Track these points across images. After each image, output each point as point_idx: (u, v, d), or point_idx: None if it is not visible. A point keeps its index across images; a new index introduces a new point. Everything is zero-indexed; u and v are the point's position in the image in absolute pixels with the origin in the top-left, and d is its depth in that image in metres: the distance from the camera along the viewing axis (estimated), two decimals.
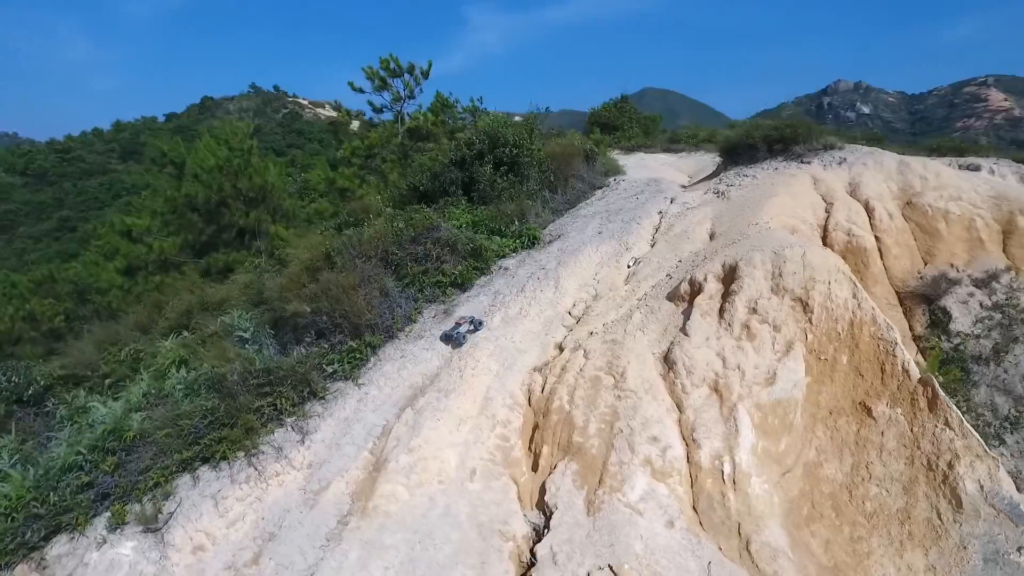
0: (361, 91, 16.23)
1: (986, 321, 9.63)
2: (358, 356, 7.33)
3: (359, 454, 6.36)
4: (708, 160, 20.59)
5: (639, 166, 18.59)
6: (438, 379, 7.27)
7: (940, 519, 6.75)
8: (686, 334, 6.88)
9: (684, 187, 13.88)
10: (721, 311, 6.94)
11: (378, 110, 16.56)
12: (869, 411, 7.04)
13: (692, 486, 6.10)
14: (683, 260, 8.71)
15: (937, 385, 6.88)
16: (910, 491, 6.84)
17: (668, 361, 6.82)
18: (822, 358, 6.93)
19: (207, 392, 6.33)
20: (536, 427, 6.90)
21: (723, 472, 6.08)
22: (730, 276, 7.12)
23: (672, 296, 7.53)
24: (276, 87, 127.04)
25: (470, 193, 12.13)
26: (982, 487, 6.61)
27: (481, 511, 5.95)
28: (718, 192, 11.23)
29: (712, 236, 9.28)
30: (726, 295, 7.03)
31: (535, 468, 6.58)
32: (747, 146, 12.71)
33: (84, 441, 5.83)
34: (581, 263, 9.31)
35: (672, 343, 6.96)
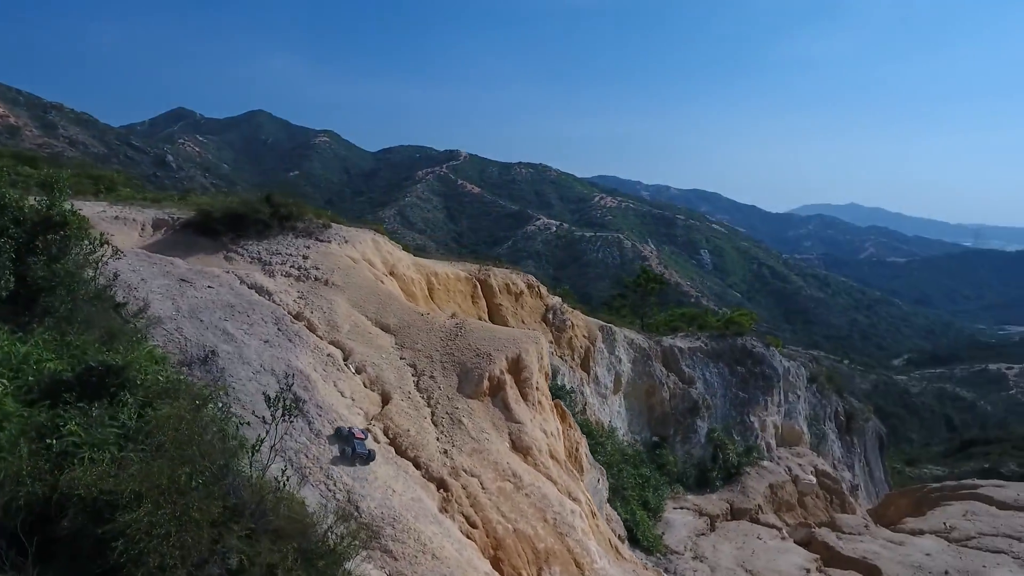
0: None
1: None
2: None
3: None
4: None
5: None
6: None
7: (577, 474, 11.21)
8: (518, 422, 8.44)
9: (179, 258, 11.83)
10: (524, 396, 8.84)
11: None
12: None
13: (590, 527, 8.17)
14: (407, 357, 9.25)
15: (563, 404, 11.21)
16: (568, 470, 10.95)
17: (522, 448, 8.22)
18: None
19: None
20: (495, 560, 6.86)
21: (592, 511, 8.45)
22: (514, 366, 8.97)
23: (474, 393, 8.55)
24: None
25: None
26: (586, 455, 11.50)
27: None
28: (300, 276, 11.14)
29: (387, 328, 9.97)
30: (519, 382, 8.92)
31: None
32: (257, 219, 12.55)
33: None
34: (321, 383, 8.13)
35: (511, 433, 8.33)
